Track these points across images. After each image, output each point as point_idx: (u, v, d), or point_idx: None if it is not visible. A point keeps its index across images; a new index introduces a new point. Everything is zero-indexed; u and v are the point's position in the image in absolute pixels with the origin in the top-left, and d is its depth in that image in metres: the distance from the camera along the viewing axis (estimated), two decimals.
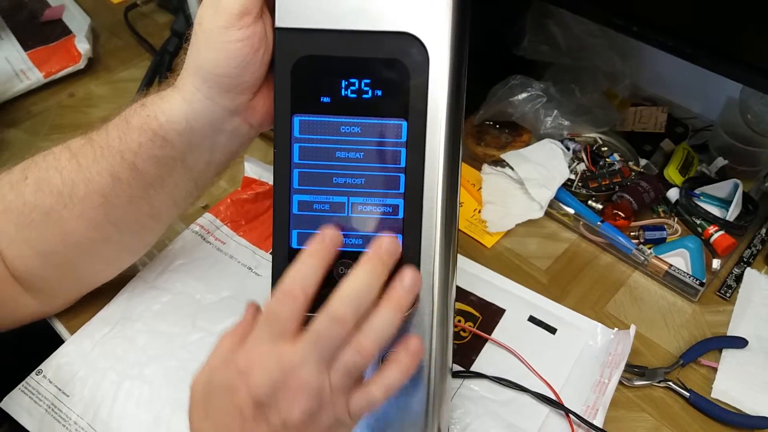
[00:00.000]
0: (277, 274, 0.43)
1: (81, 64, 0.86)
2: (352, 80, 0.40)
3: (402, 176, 0.41)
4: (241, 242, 0.65)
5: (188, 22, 0.79)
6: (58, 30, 0.91)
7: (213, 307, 0.59)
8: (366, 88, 0.40)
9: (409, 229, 0.41)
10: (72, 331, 0.57)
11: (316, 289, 0.38)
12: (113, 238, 0.51)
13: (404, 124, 0.40)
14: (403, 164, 0.40)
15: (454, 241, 0.43)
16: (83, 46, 0.87)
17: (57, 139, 0.50)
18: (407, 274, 0.39)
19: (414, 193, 0.41)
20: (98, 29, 0.94)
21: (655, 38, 0.62)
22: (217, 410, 0.38)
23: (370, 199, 0.41)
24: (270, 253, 0.63)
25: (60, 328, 0.58)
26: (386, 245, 0.39)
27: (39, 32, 0.90)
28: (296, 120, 0.41)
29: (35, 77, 0.84)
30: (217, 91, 0.43)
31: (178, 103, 0.44)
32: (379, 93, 0.40)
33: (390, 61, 0.40)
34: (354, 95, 0.40)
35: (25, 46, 0.88)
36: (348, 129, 0.41)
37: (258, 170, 0.69)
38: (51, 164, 0.48)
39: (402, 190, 0.41)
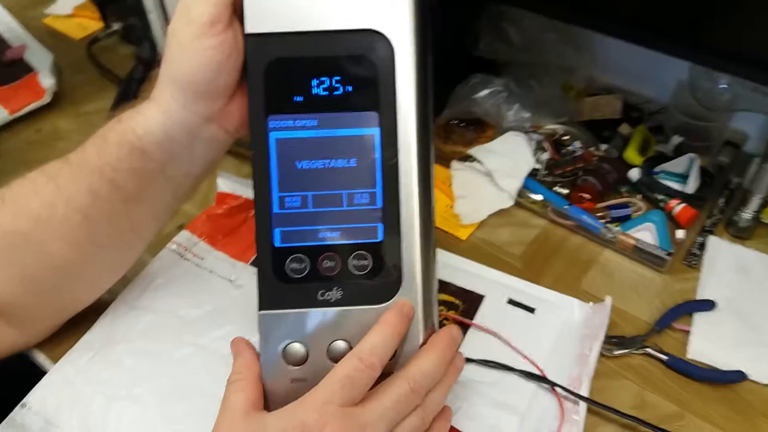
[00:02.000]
0: (263, 272, 0.43)
1: (46, 99, 0.86)
2: (323, 78, 0.42)
3: (378, 165, 0.42)
4: (219, 256, 0.65)
5: (154, 49, 0.80)
6: (20, 69, 0.91)
7: (197, 321, 0.59)
8: (337, 85, 0.42)
9: (388, 218, 0.42)
10: (54, 361, 0.56)
11: (388, 359, 0.41)
12: (95, 257, 0.51)
13: (376, 114, 0.42)
14: (378, 154, 0.42)
15: (432, 227, 0.44)
16: (47, 81, 0.87)
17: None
18: (460, 359, 0.45)
19: (390, 180, 0.42)
20: (61, 65, 0.93)
21: (605, 26, 0.65)
22: None
23: (349, 189, 0.42)
24: (250, 264, 0.64)
25: (41, 358, 0.57)
26: (456, 335, 0.44)
27: (1, 72, 0.90)
28: (271, 121, 0.42)
29: (1, 115, 0.84)
30: (192, 98, 0.44)
31: (155, 114, 0.46)
32: (350, 88, 0.42)
33: (357, 57, 0.42)
34: (326, 92, 0.42)
35: None
36: (322, 124, 0.42)
37: (231, 185, 0.70)
38: (27, 189, 0.49)
39: (379, 178, 0.42)
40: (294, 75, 0.42)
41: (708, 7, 0.60)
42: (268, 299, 0.43)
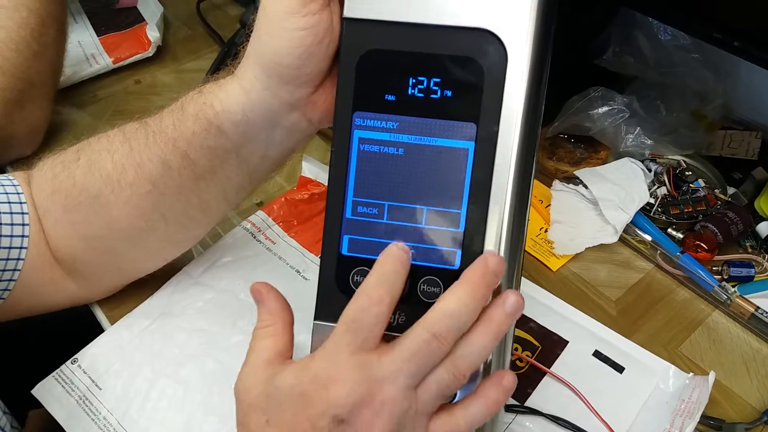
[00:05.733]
0: (324, 280, 0.40)
1: (150, 52, 0.86)
2: (421, 78, 0.37)
3: (467, 184, 0.37)
4: (291, 243, 0.62)
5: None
6: (132, 17, 0.91)
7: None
8: (435, 88, 0.37)
9: (469, 245, 0.37)
10: (112, 321, 0.56)
11: (399, 295, 0.35)
12: (159, 228, 0.49)
13: (474, 126, 0.37)
14: (469, 172, 0.37)
15: (519, 262, 0.39)
16: (153, 34, 0.87)
17: (119, 124, 0.49)
18: (510, 297, 0.35)
19: (478, 204, 0.37)
20: (170, 18, 0.94)
21: (760, 56, 0.57)
22: (283, 419, 0.35)
23: (431, 206, 0.38)
24: (320, 257, 0.61)
25: (101, 316, 0.57)
26: (493, 265, 0.35)
27: (113, 18, 0.91)
28: (357, 118, 0.38)
29: (104, 62, 0.84)
30: (276, 82, 0.41)
31: (236, 92, 0.42)
32: (449, 93, 0.37)
33: (463, 59, 0.36)
34: (421, 94, 0.37)
35: (98, 31, 0.88)
36: (412, 129, 0.37)
37: (315, 170, 0.67)
38: (104, 146, 0.48)
39: (465, 199, 0.37)
40: (389, 70, 0.38)
41: None
42: (325, 309, 0.40)
